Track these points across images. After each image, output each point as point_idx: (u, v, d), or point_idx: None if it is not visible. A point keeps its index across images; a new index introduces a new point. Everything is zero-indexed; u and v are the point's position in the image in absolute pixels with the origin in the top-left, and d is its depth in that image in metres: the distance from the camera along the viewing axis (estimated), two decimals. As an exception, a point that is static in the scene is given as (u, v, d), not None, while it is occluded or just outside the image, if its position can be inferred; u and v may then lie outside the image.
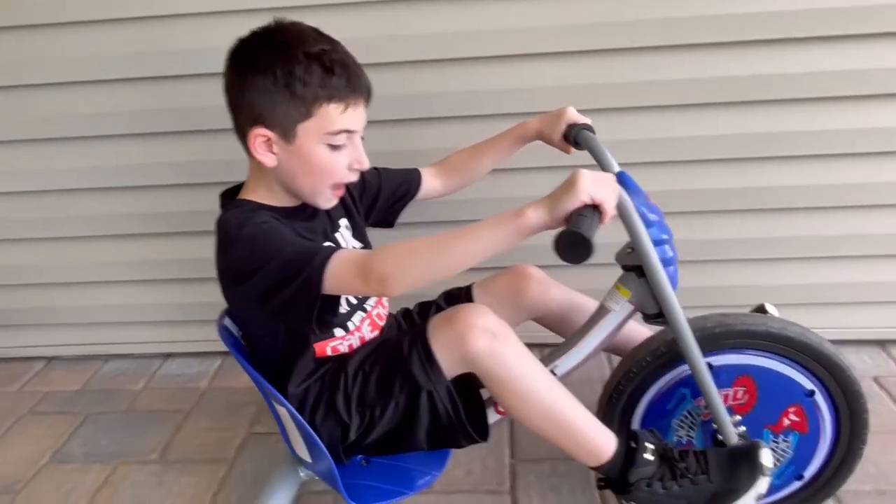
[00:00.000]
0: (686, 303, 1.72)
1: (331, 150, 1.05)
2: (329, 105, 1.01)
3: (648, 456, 1.06)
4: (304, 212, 1.15)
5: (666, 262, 1.07)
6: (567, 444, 1.07)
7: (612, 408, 1.22)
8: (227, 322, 1.23)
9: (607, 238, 1.03)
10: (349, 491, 1.16)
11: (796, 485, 1.23)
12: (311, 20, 1.09)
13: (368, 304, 1.23)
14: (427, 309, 1.35)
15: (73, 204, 1.77)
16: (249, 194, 1.13)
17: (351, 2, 1.50)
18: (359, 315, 1.21)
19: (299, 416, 1.12)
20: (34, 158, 1.72)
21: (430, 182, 1.37)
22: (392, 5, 1.50)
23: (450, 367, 1.07)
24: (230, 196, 1.15)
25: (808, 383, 1.15)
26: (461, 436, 1.15)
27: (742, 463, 1.04)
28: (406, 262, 0.94)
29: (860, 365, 1.72)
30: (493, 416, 1.19)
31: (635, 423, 1.23)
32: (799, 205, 1.65)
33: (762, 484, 1.02)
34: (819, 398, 1.15)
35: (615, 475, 1.07)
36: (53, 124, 1.67)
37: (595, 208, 0.85)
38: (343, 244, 1.21)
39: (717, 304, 1.70)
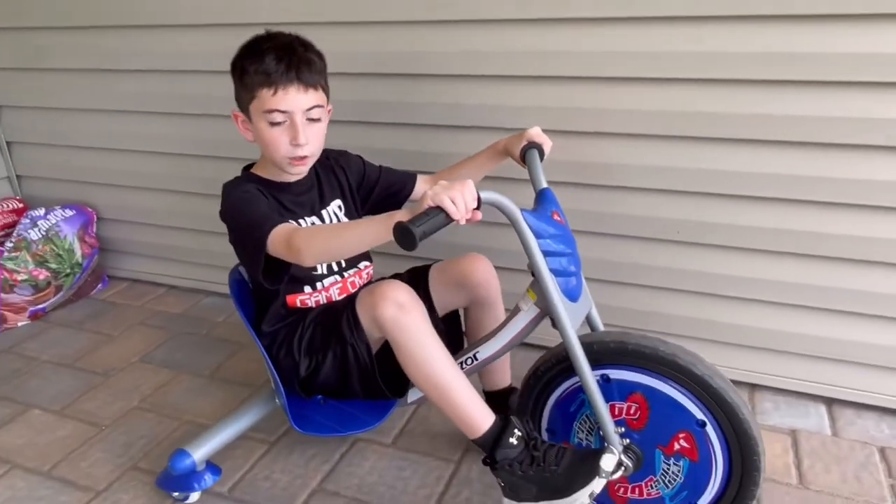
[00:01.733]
0: (635, 325, 1.81)
1: (271, 126, 1.29)
2: (262, 89, 1.27)
3: (513, 440, 1.19)
4: (296, 187, 1.42)
5: (561, 273, 1.19)
6: (448, 411, 1.24)
7: (526, 401, 1.35)
8: (242, 269, 1.56)
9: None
10: (297, 418, 1.43)
11: (691, 512, 1.27)
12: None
13: (348, 273, 1.48)
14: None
15: (192, 166, 2.23)
16: (255, 167, 1.44)
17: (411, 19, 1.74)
18: (332, 279, 1.46)
19: (264, 351, 1.41)
20: (147, 125, 2.21)
21: (422, 187, 1.57)
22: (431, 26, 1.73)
23: (369, 328, 1.30)
24: (247, 168, 1.47)
25: (699, 413, 1.19)
26: (379, 389, 1.36)
27: (586, 463, 1.14)
28: (312, 241, 1.18)
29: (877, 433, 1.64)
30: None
31: (544, 420, 1.35)
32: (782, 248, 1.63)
33: (597, 484, 1.12)
34: (710, 430, 1.19)
35: (488, 451, 1.22)
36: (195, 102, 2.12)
37: (441, 210, 1.02)
38: (328, 219, 1.47)
39: (676, 332, 1.78)
